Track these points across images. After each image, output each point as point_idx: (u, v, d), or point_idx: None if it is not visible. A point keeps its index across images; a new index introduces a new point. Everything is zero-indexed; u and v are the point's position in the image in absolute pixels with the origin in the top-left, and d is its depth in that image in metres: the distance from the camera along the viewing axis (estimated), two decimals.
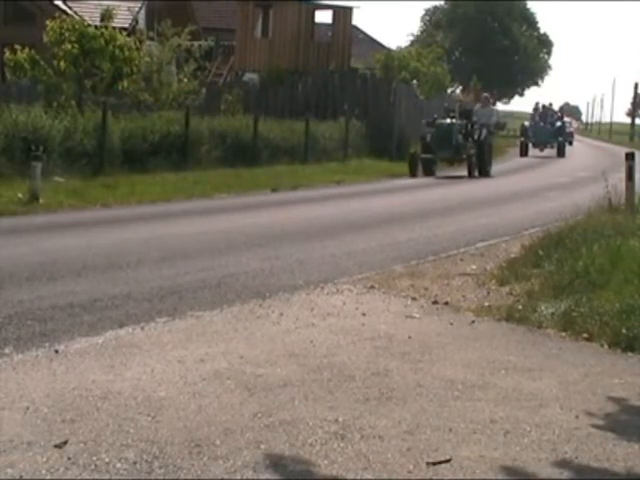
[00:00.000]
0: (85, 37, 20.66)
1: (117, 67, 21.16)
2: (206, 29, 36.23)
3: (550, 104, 47.83)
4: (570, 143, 52.59)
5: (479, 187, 22.40)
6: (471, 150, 25.45)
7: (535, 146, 40.31)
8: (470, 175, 24.95)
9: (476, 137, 26.07)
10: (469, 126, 26.10)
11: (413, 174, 24.73)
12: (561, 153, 39.94)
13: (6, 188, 15.12)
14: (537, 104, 43.71)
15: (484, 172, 25.72)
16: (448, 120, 25.95)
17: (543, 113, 42.58)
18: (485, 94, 30.95)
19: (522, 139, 40.84)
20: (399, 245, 11.76)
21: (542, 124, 41.27)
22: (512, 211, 16.61)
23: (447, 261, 10.50)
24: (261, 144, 23.77)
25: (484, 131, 26.30)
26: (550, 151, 40.10)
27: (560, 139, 40.62)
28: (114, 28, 21.60)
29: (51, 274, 8.76)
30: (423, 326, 7.23)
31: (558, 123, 41.88)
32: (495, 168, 26.92)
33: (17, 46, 20.73)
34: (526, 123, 42.50)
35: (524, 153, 39.25)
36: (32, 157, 14.96)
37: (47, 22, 21.47)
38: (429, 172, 25.17)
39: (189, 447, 4.48)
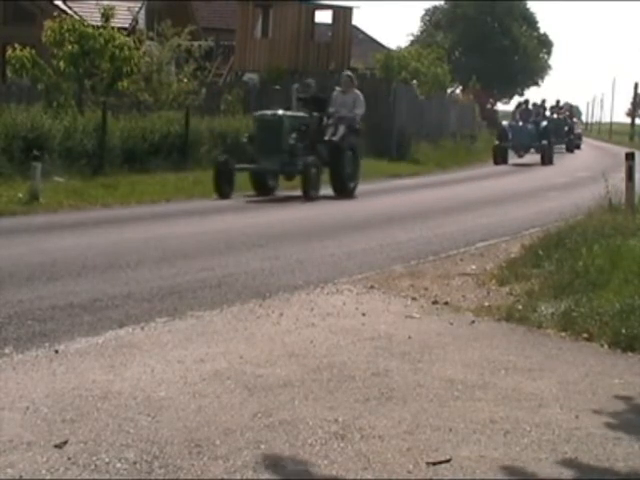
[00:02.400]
0: (85, 37, 20.67)
1: (117, 67, 21.17)
2: (206, 29, 36.27)
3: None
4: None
5: (480, 187, 22.41)
6: (309, 159, 16.99)
7: (513, 151, 33.16)
8: (307, 196, 16.59)
9: (327, 137, 17.76)
10: (323, 120, 17.93)
11: (221, 194, 16.63)
12: (546, 159, 32.60)
13: (6, 188, 15.13)
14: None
15: (342, 189, 17.60)
16: (280, 111, 17.69)
17: (525, 110, 35.00)
18: (347, 72, 20.02)
19: (497, 142, 33.13)
20: (399, 245, 11.76)
21: (521, 124, 33.51)
22: (512, 211, 16.62)
23: (447, 261, 10.50)
24: None
25: (341, 128, 17.77)
26: (535, 157, 33.06)
27: (544, 142, 33.03)
28: (113, 28, 21.60)
29: (51, 274, 8.76)
30: (423, 326, 7.23)
31: (544, 122, 34.68)
32: (493, 169, 26.46)
33: (18, 44, 20.72)
34: (504, 123, 35.26)
35: (501, 159, 31.84)
36: (32, 157, 14.97)
37: (45, 23, 21.47)
38: (262, 190, 17.46)
39: (189, 447, 4.47)
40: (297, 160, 17.04)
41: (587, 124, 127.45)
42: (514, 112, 36.18)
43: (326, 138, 17.70)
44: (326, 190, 17.51)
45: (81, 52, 20.66)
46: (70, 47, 20.51)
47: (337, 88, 18.96)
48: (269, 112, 17.91)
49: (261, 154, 17.14)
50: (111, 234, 11.94)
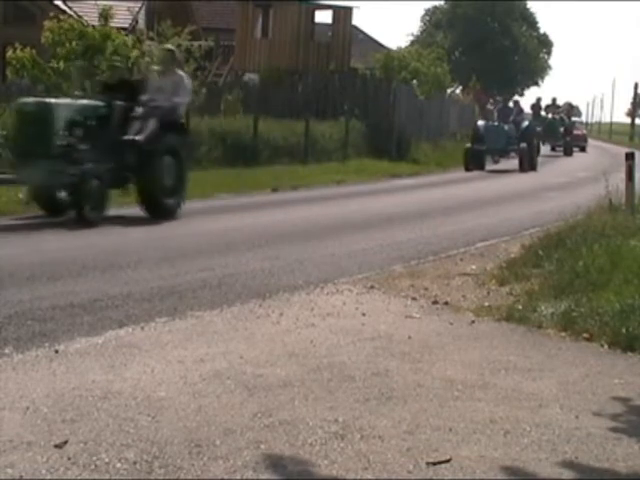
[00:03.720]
0: (84, 37, 20.66)
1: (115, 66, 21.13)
2: (206, 29, 36.25)
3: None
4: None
5: (480, 187, 22.41)
6: (89, 166, 12.20)
7: (489, 154, 28.65)
8: (82, 218, 12.10)
9: (130, 136, 12.91)
10: (133, 111, 13.12)
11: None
12: (525, 165, 28.01)
13: (6, 188, 15.09)
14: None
15: (154, 207, 13.12)
16: (50, 99, 13.16)
17: (504, 109, 30.61)
18: (169, 45, 15.60)
19: (469, 145, 28.46)
20: (399, 245, 11.76)
21: (497, 124, 28.98)
22: (512, 211, 16.62)
23: (447, 261, 10.50)
24: (261, 144, 23.76)
25: (152, 123, 12.96)
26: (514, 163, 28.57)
27: (523, 145, 28.36)
28: (111, 27, 21.59)
29: (51, 274, 8.76)
30: (423, 326, 7.23)
31: (525, 122, 30.32)
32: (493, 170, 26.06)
33: (18, 45, 20.70)
34: (480, 122, 29.96)
35: (474, 165, 27.34)
36: None
37: (45, 23, 21.46)
38: (51, 208, 12.77)
39: (189, 447, 4.47)
40: (74, 168, 12.06)
41: (587, 124, 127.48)
42: (492, 111, 32.33)
43: (128, 137, 12.90)
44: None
45: (81, 51, 20.63)
46: (68, 44, 20.46)
47: (154, 67, 14.70)
48: (33, 100, 12.93)
49: (20, 158, 12.29)
50: (111, 234, 11.93)
